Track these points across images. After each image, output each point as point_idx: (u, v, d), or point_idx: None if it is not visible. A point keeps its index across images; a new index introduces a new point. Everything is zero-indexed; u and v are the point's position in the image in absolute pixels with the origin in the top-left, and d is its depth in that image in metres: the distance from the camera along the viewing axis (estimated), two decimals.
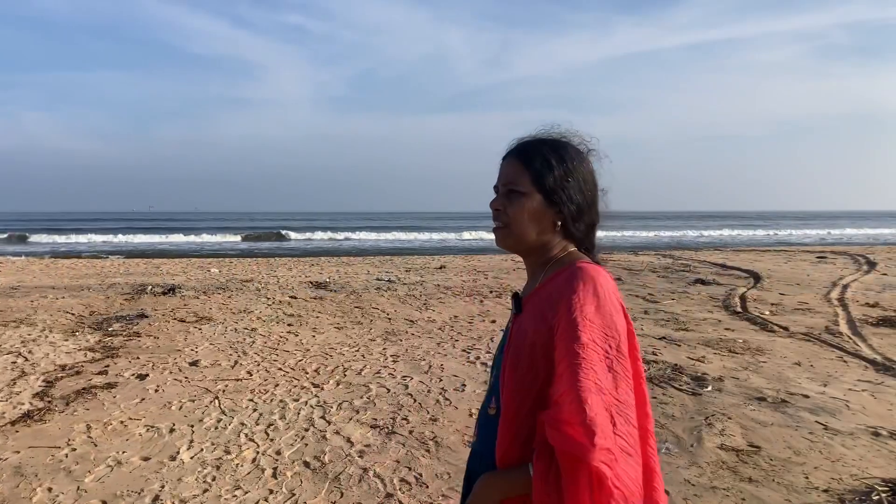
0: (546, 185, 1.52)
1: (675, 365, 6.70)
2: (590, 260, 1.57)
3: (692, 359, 6.98)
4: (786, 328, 8.69)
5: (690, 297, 11.68)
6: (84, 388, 6.08)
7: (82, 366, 6.90)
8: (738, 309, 10.27)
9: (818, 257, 19.66)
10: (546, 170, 1.52)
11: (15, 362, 7.03)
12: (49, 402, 5.73)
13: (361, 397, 5.82)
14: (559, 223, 1.55)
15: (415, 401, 5.71)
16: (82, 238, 42.03)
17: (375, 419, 5.26)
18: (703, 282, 13.59)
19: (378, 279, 14.12)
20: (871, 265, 16.83)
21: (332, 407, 5.56)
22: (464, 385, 6.14)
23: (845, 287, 12.68)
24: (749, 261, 18.66)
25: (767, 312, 9.92)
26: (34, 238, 40.79)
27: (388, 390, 6.01)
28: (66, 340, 8.09)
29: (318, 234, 47.67)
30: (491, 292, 12.20)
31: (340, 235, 47.58)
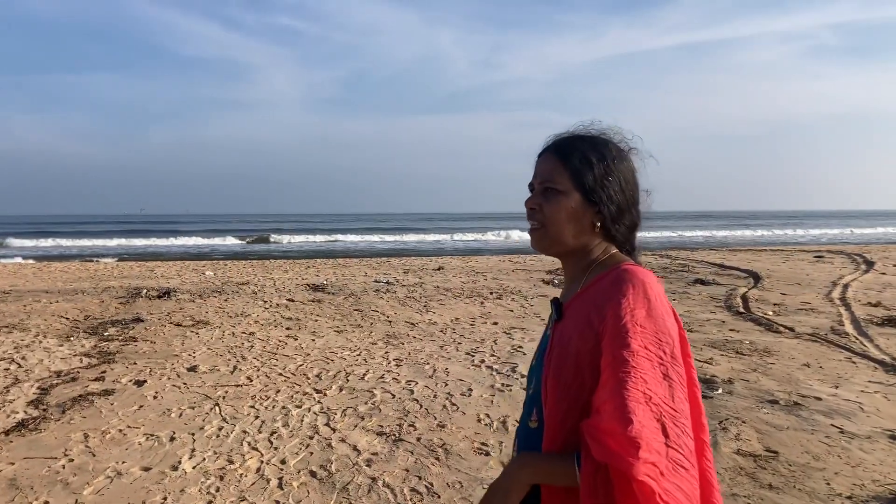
0: (585, 184, 1.45)
1: None
2: (634, 262, 1.48)
3: (699, 360, 6.88)
4: (791, 329, 8.60)
5: (691, 297, 11.59)
6: (80, 396, 5.93)
7: (78, 372, 6.75)
8: (741, 309, 10.18)
9: (816, 257, 19.61)
10: (586, 167, 1.45)
11: (8, 369, 6.86)
12: (44, 410, 5.58)
13: (366, 403, 5.68)
14: (598, 224, 1.47)
15: (421, 406, 5.57)
16: (73, 241, 41.66)
17: (381, 426, 5.13)
18: (702, 282, 13.51)
19: (376, 281, 13.99)
20: (869, 264, 16.78)
21: (336, 413, 5.42)
22: (470, 389, 6.02)
23: (846, 287, 12.60)
24: (747, 260, 18.60)
25: (771, 313, 9.83)
26: (25, 242, 40.37)
27: (393, 396, 5.88)
28: (61, 346, 7.93)
29: (312, 237, 47.41)
30: (491, 293, 12.09)
31: (334, 237, 47.34)
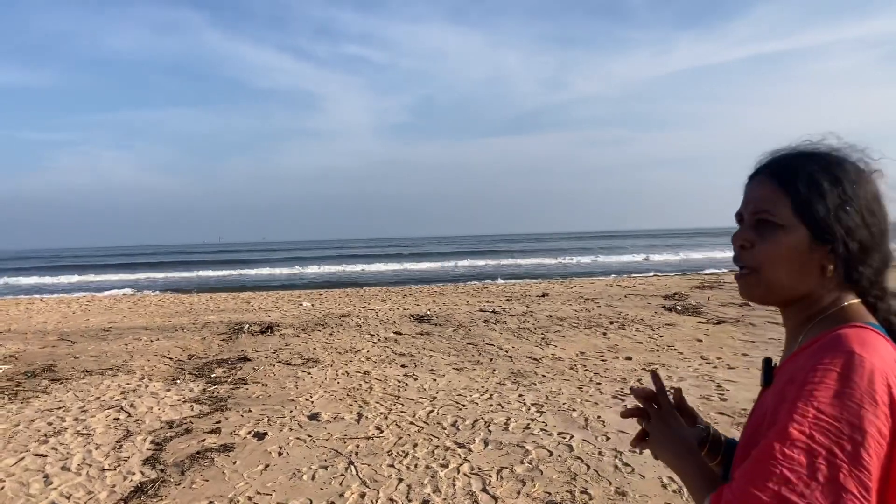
0: (815, 216, 1.13)
1: None
2: (869, 321, 1.12)
3: None
4: None
5: None
6: (198, 452, 5.34)
7: (191, 422, 6.19)
8: None
9: None
10: (815, 194, 1.13)
11: (118, 419, 6.37)
12: (162, 470, 4.99)
13: (521, 462, 4.90)
14: (831, 267, 1.13)
15: (588, 467, 4.75)
16: (163, 274, 42.35)
17: (549, 493, 4.34)
18: None
19: (482, 310, 13.22)
20: None
21: (490, 476, 4.66)
22: None
23: None
24: None
25: None
26: (111, 276, 41.26)
27: (551, 453, 5.07)
28: (168, 390, 7.42)
29: (396, 264, 47.11)
30: (612, 323, 11.15)
31: (424, 264, 46.81)
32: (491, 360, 8.55)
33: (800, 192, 1.13)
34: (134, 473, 4.95)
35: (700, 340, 9.38)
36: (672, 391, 1.50)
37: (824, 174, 1.13)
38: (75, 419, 6.37)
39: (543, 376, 7.55)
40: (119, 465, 5.12)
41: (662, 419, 1.32)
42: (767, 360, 1.25)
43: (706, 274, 23.52)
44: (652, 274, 26.27)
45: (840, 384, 0.98)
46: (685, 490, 4.39)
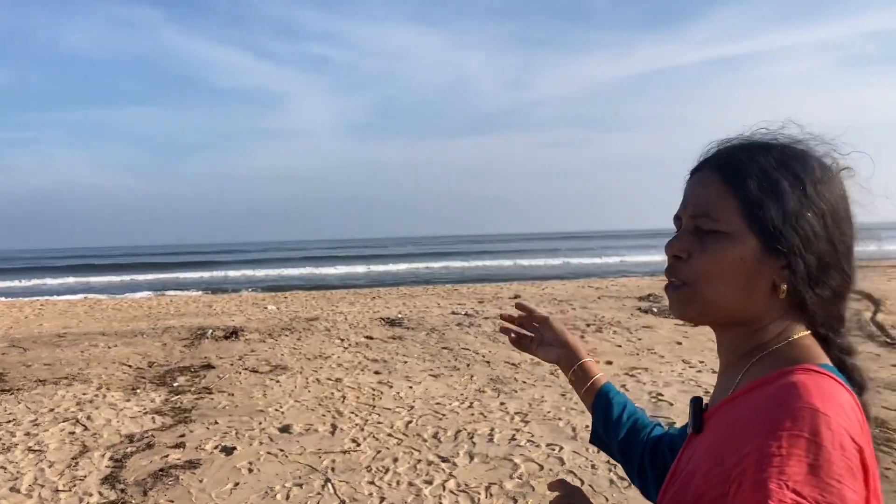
0: (768, 222, 0.90)
1: (877, 419, 5.42)
2: (821, 363, 0.88)
3: (887, 408, 5.71)
4: None
5: None
6: (162, 470, 4.95)
7: (153, 436, 5.79)
8: (887, 339, 8.90)
9: None
10: (769, 196, 0.90)
11: (73, 433, 5.94)
12: (122, 491, 4.61)
13: (511, 477, 4.60)
14: (784, 286, 0.90)
15: (582, 482, 4.48)
16: (121, 277, 41.21)
17: None
18: None
19: (454, 313, 12.88)
20: None
21: (479, 493, 4.36)
22: None
23: None
24: None
25: None
26: (68, 279, 40.10)
27: (541, 466, 4.78)
28: (128, 400, 6.99)
29: (360, 266, 46.54)
30: (588, 325, 10.89)
31: (392, 266, 46.37)
32: (468, 365, 8.26)
33: (750, 193, 0.92)
34: (91, 494, 4.56)
35: (680, 343, 9.19)
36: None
37: (782, 170, 0.92)
38: (27, 434, 5.93)
39: (524, 382, 7.28)
40: (75, 486, 4.72)
41: None
42: (697, 401, 1.02)
43: None
44: (623, 275, 26.24)
45: (812, 455, 0.78)
46: None
